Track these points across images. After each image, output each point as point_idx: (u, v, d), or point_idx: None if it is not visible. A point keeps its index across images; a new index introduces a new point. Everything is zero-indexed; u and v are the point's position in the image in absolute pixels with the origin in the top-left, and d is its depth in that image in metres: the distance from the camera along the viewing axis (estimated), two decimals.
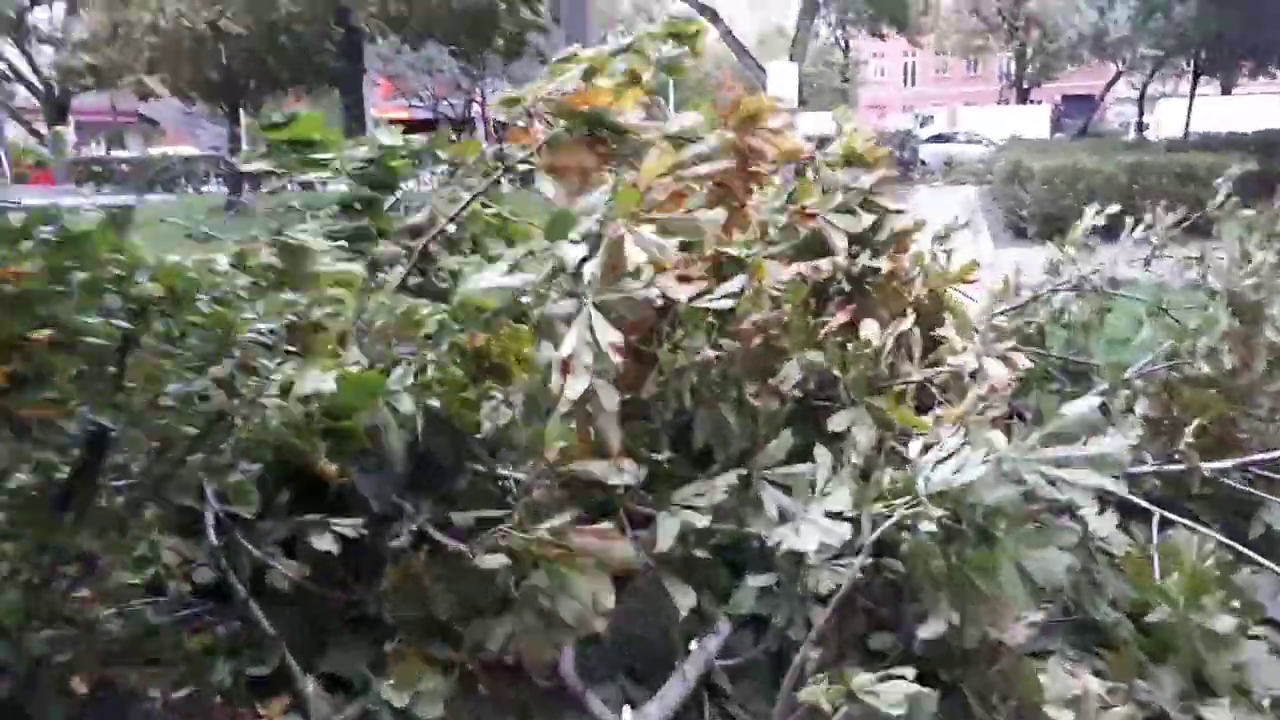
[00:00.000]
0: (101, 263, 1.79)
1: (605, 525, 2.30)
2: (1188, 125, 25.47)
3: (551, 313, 2.33)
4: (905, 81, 62.90)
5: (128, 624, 2.66)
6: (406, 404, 2.38)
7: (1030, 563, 2.10)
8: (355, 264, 3.79)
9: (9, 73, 35.91)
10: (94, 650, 2.27)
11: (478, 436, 2.95)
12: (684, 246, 2.77)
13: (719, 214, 2.48)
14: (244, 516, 2.89)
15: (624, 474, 2.35)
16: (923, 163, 30.90)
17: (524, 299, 2.59)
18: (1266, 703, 2.50)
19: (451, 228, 3.90)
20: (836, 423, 3.06)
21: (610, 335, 2.18)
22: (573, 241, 2.53)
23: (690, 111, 3.24)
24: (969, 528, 2.12)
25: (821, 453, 2.91)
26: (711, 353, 2.76)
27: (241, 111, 27.87)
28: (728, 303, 2.65)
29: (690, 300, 2.75)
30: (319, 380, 2.35)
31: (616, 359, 2.20)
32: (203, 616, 2.90)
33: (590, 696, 2.49)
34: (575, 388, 2.17)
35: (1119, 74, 32.81)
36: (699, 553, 2.73)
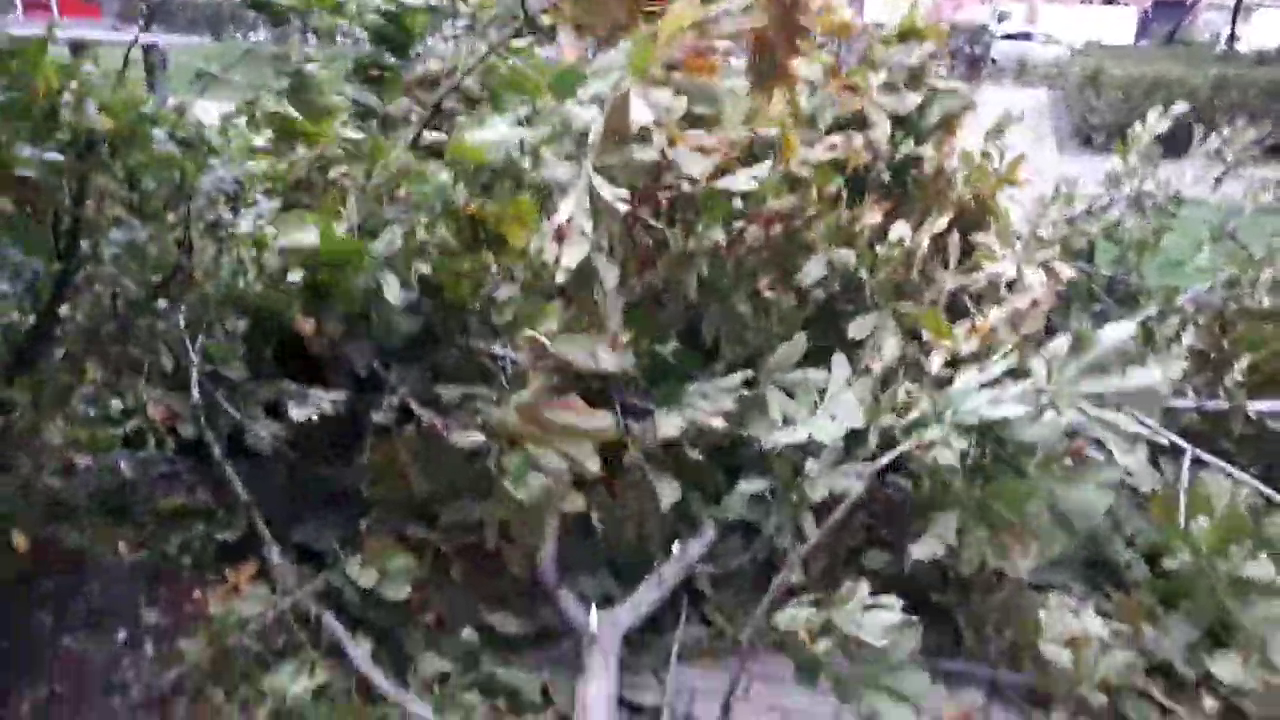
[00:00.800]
0: (36, 91, 1.60)
1: (575, 398, 2.14)
2: None
3: (549, 176, 2.11)
4: None
5: (99, 479, 2.60)
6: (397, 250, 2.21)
7: (1065, 502, 1.92)
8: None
9: None
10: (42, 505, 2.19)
11: (475, 310, 2.79)
12: (708, 123, 2.52)
13: (739, 84, 2.21)
14: (227, 376, 2.78)
15: (611, 360, 2.17)
16: (993, 61, 29.32)
17: (524, 161, 2.37)
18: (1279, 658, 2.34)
19: (470, 82, 3.64)
20: (857, 328, 2.85)
21: (610, 196, 1.97)
22: (580, 102, 2.29)
23: None
24: (998, 461, 1.93)
25: (839, 359, 2.70)
26: (723, 238, 2.54)
27: None
28: (750, 185, 2.41)
29: (707, 179, 2.52)
30: (300, 234, 2.18)
31: (623, 207, 1.99)
32: (180, 476, 2.84)
33: (563, 593, 2.39)
34: (572, 255, 1.98)
35: None
36: (693, 453, 2.58)
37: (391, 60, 3.87)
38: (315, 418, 2.53)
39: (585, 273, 2.12)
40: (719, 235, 2.59)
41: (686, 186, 2.59)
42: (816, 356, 2.80)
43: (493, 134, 2.39)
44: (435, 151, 3.29)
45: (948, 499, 2.18)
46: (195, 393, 2.79)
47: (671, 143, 2.31)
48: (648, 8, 2.85)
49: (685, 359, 2.77)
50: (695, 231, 2.65)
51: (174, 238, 2.00)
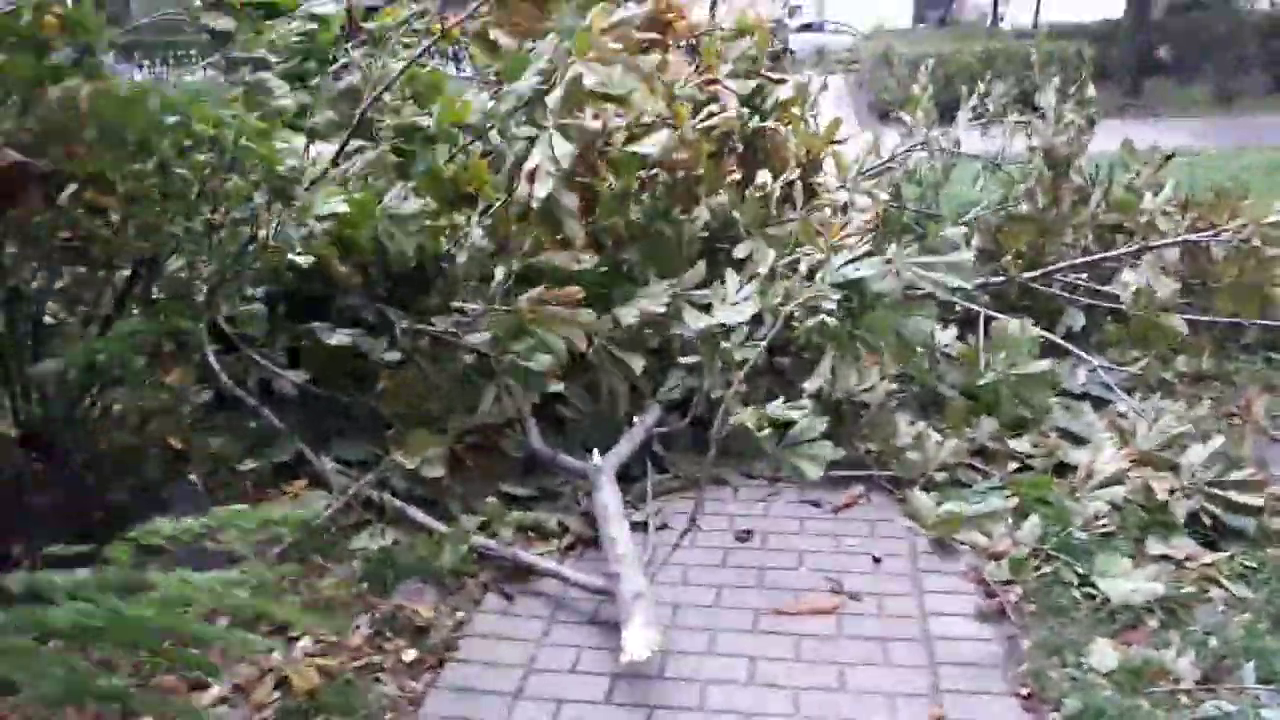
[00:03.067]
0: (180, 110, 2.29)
1: (571, 290, 2.95)
2: (1037, 14, 26.90)
3: (517, 134, 2.92)
4: None
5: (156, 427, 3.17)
6: (409, 207, 2.93)
7: (903, 328, 2.89)
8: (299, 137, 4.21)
9: None
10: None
11: (450, 258, 3.51)
12: (620, 102, 3.37)
13: (655, 58, 3.09)
14: (248, 336, 3.41)
15: (583, 261, 3.00)
16: (791, 52, 31.34)
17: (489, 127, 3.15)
18: (1054, 434, 3.41)
19: (388, 95, 4.33)
20: (741, 250, 3.77)
21: (566, 148, 2.81)
22: (529, 79, 3.12)
23: None
24: (861, 306, 2.88)
25: (730, 275, 3.61)
26: (646, 173, 3.41)
27: None
28: (653, 150, 3.29)
29: (622, 145, 3.40)
30: (332, 203, 2.88)
31: (570, 150, 2.82)
32: (217, 427, 3.44)
33: (562, 455, 3.18)
34: (542, 190, 2.80)
35: None
36: (635, 355, 3.43)
37: (312, 66, 4.53)
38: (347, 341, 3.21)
39: (553, 202, 2.95)
40: (634, 184, 3.46)
41: (607, 151, 3.46)
42: (706, 282, 3.70)
43: (473, 103, 3.16)
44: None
45: (824, 349, 3.11)
46: (211, 357, 3.42)
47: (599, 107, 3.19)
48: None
49: (619, 283, 3.61)
50: (616, 185, 3.50)
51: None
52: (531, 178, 2.88)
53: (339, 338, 3.21)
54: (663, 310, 3.23)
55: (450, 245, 3.46)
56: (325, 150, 3.94)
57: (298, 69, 4.51)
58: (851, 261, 2.86)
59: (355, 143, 4.13)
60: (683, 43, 4.32)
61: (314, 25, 4.56)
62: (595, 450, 3.02)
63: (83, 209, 2.32)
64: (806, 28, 36.15)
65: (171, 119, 2.34)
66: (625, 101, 3.31)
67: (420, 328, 3.17)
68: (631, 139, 3.39)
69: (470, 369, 3.20)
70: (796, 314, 3.15)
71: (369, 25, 4.87)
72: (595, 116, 3.06)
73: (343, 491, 3.07)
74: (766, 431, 2.65)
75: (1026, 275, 4.14)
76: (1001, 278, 4.15)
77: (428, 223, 3.31)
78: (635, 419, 3.36)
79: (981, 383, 3.53)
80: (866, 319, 2.85)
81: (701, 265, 3.69)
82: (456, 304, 3.47)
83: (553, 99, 2.90)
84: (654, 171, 3.52)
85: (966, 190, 5.88)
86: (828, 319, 2.88)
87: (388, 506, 3.00)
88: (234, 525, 2.37)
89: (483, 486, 3.23)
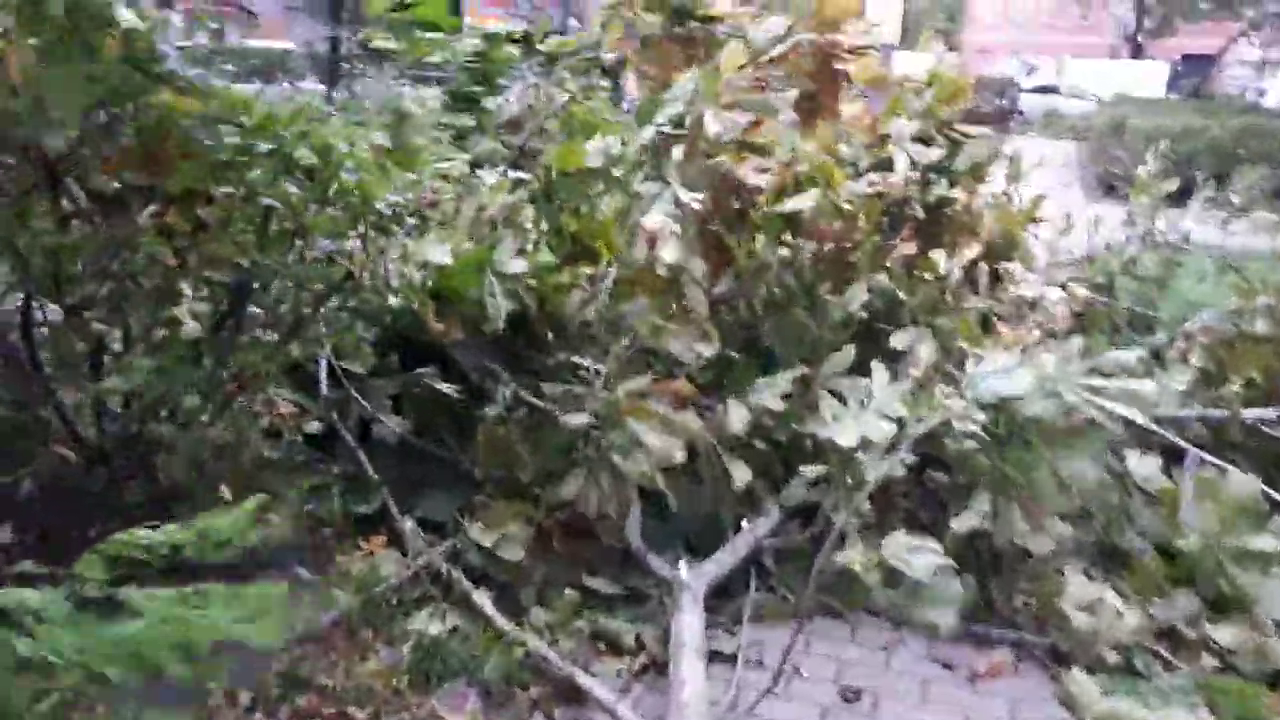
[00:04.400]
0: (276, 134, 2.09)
1: (679, 384, 2.56)
2: None
3: (638, 190, 2.58)
4: (1013, 26, 60.15)
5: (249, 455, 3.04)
6: (515, 266, 2.65)
7: (1063, 466, 2.32)
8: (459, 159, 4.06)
9: None
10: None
11: (571, 320, 3.22)
12: (763, 152, 2.97)
13: (791, 93, 2.69)
14: (356, 373, 3.25)
15: (704, 348, 2.62)
16: (1020, 113, 29.68)
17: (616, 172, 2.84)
18: (1272, 627, 2.69)
19: (550, 125, 4.12)
20: (899, 340, 3.27)
21: (687, 196, 2.44)
22: (658, 124, 2.79)
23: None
24: (1010, 433, 2.33)
25: (878, 368, 3.11)
26: (786, 251, 2.98)
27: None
28: (805, 205, 2.86)
29: (767, 203, 2.99)
30: (437, 251, 2.65)
31: (695, 205, 2.44)
32: (313, 464, 3.28)
33: (651, 556, 2.80)
34: (669, 254, 2.44)
35: (1241, 33, 31.07)
36: (758, 444, 3.00)
37: (480, 90, 4.42)
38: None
39: (675, 270, 2.59)
40: (778, 251, 3.04)
41: (748, 209, 3.07)
42: (857, 368, 3.22)
43: (594, 146, 2.87)
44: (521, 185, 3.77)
45: (978, 479, 2.58)
46: (324, 388, 3.27)
47: (738, 161, 2.80)
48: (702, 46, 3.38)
49: (746, 365, 3.19)
50: (756, 249, 3.10)
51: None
52: (653, 241, 2.53)
53: (447, 385, 2.98)
54: (780, 409, 2.79)
55: (578, 305, 3.17)
56: (488, 179, 3.78)
57: (467, 88, 4.41)
58: (1000, 372, 2.33)
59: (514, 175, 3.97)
60: (865, 94, 3.88)
61: (485, 44, 4.45)
62: (683, 560, 2.62)
63: (156, 231, 2.17)
64: (1041, 89, 34.28)
65: (265, 146, 2.16)
66: (766, 150, 2.91)
67: (522, 395, 2.88)
68: (780, 199, 2.99)
69: (569, 442, 2.88)
70: (949, 429, 2.64)
71: (542, 48, 4.72)
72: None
73: (416, 557, 2.82)
74: (877, 575, 2.18)
75: (1254, 412, 3.38)
76: (1223, 411, 3.42)
77: (548, 278, 3.05)
78: (744, 523, 2.93)
79: (1183, 542, 2.85)
80: (1013, 451, 2.31)
81: (849, 350, 3.21)
82: (582, 362, 3.18)
83: (678, 149, 2.55)
84: (801, 242, 3.09)
85: (1195, 290, 5.07)
86: (971, 444, 2.35)
87: (455, 586, 2.72)
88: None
89: (567, 572, 2.89)
